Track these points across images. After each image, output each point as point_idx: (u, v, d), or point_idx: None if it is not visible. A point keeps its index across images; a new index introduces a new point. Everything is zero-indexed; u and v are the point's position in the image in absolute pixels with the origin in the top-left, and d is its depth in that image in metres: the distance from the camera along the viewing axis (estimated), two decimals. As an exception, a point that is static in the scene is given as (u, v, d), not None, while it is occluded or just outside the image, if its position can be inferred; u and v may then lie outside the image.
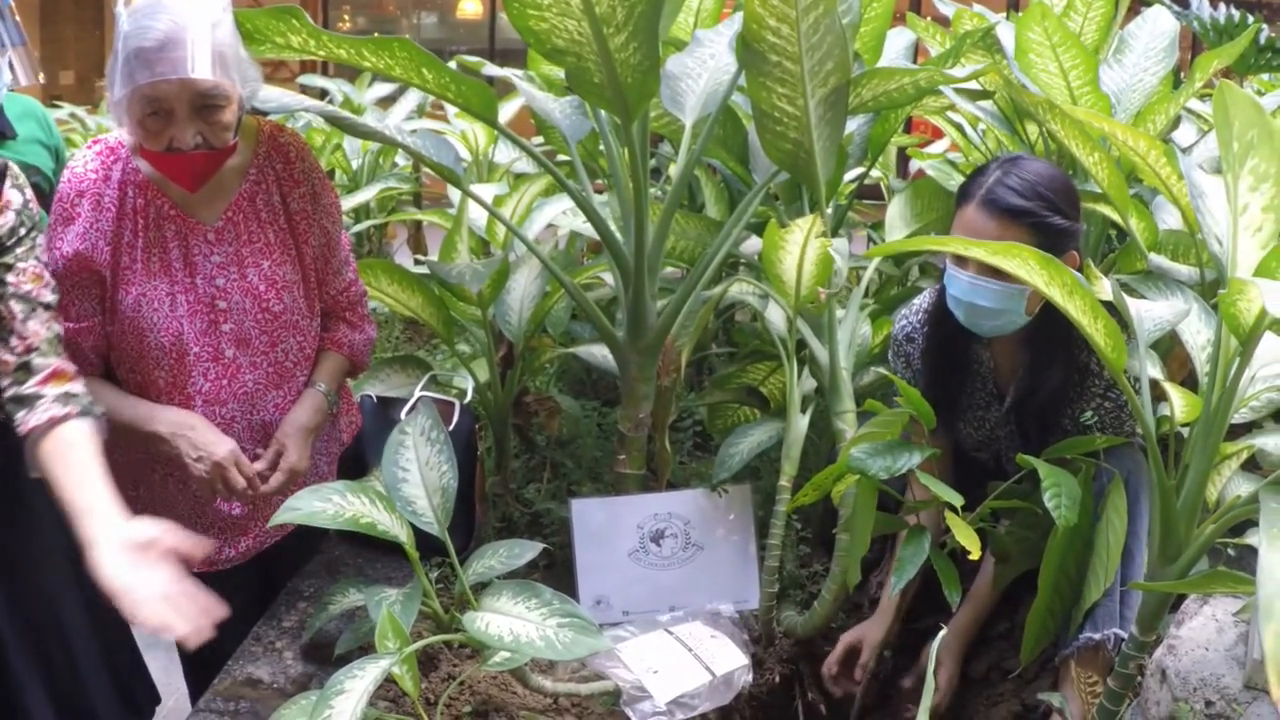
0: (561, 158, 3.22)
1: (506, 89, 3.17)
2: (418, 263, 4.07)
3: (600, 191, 2.68)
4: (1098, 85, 2.55)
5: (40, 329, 1.88)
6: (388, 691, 2.06)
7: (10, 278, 1.86)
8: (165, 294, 2.04)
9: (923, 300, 2.36)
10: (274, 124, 2.18)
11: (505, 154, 3.71)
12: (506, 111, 3.84)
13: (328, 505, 1.85)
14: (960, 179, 2.85)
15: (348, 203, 3.82)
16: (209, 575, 2.20)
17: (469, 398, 2.57)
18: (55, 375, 1.87)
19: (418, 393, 2.48)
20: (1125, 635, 1.94)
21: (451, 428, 2.43)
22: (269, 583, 2.40)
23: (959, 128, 3.26)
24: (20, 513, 2.16)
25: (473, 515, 2.50)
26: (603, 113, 2.34)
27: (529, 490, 2.71)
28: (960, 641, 2.26)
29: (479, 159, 3.78)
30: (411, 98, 4.16)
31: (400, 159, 4.37)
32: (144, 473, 2.16)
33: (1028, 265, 1.53)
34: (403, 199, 4.56)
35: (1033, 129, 2.80)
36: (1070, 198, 2.07)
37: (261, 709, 2.02)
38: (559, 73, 2.03)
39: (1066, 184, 2.09)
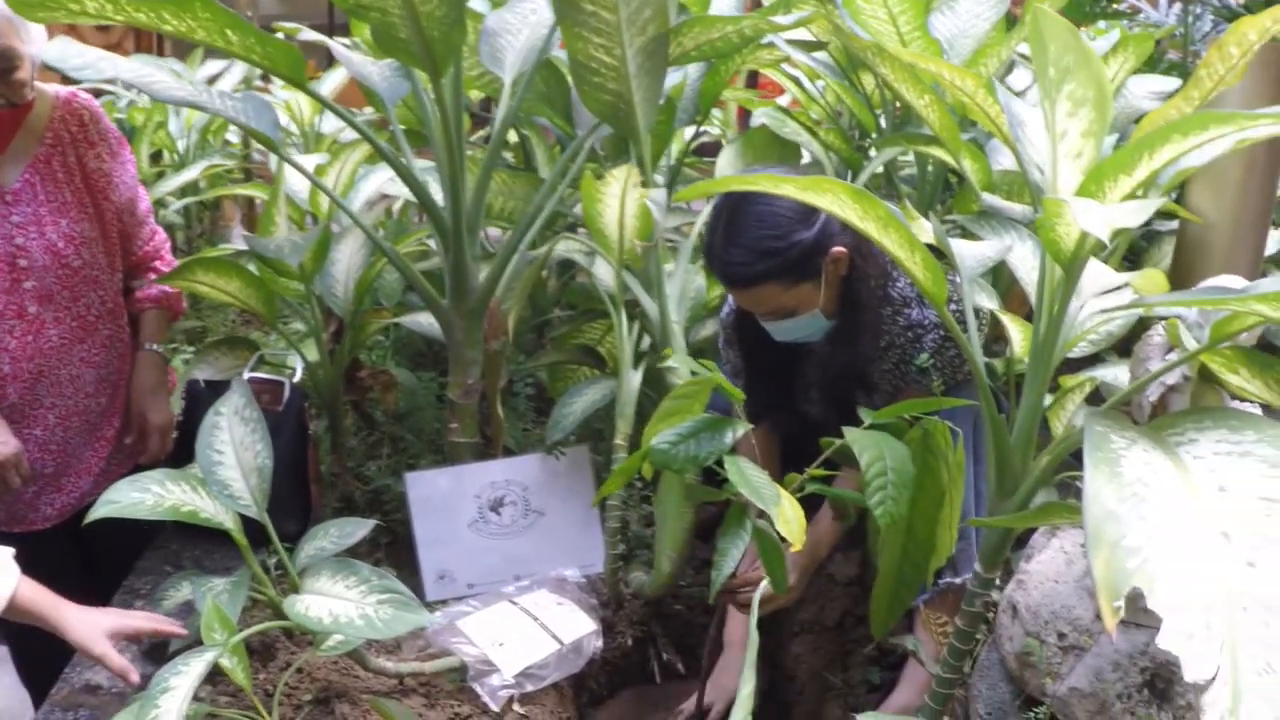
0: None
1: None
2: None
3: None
4: (927, 30, 2.54)
5: None
6: (227, 685, 1.99)
7: None
8: None
9: None
10: (69, 91, 2.26)
11: (332, 124, 3.60)
12: (335, 80, 3.72)
13: (146, 495, 1.80)
14: (795, 126, 2.82)
15: (173, 182, 3.68)
16: (24, 535, 2.21)
17: (298, 376, 2.48)
18: None
19: (245, 374, 2.39)
20: None
21: (281, 407, 2.36)
22: (87, 562, 2.36)
23: (797, 82, 3.24)
24: None
25: (308, 497, 2.42)
26: (420, 74, 2.26)
27: (369, 467, 2.62)
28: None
29: (305, 129, 3.66)
30: (237, 71, 4.05)
31: (232, 135, 4.23)
32: None
33: (840, 200, 1.49)
34: (233, 176, 4.40)
35: (868, 80, 2.78)
36: (796, 213, 1.92)
37: (102, 715, 1.95)
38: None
39: (784, 208, 1.93)
